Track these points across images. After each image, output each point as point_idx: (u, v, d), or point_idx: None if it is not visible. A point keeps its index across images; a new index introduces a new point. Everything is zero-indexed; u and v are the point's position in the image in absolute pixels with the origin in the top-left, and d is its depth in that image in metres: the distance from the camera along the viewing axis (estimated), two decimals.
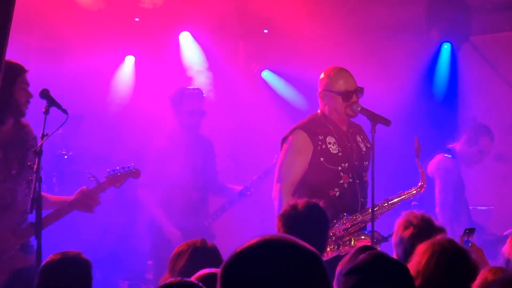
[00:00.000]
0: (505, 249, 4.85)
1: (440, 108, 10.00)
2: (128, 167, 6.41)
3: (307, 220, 4.80)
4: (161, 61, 9.66)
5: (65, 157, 8.44)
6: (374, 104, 6.46)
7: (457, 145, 8.27)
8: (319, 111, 6.38)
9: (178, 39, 9.64)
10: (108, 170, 6.36)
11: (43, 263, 4.52)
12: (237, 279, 2.24)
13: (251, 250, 2.27)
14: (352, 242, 6.01)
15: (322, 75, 6.36)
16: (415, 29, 9.86)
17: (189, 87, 8.25)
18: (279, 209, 6.11)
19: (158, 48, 9.60)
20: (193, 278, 3.78)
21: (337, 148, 6.22)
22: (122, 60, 9.63)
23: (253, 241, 2.29)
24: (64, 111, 5.75)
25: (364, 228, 6.12)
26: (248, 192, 7.99)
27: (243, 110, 9.55)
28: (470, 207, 8.66)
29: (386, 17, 9.57)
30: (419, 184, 6.26)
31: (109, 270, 8.50)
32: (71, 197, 6.15)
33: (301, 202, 4.90)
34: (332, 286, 2.33)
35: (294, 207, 4.88)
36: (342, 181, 6.14)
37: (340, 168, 6.18)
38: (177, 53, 9.67)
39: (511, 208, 9.16)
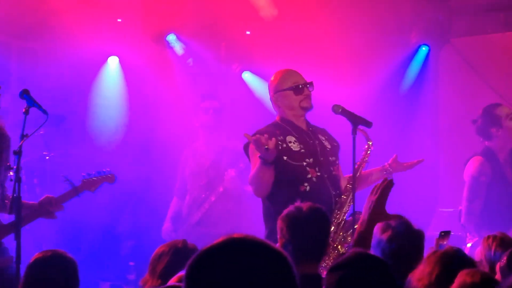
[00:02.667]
0: (478, 250, 4.86)
1: (419, 109, 10.05)
2: (104, 172, 6.38)
3: (311, 223, 4.79)
4: (144, 62, 9.65)
5: (47, 158, 8.42)
6: (355, 104, 6.47)
7: (491, 141, 7.87)
8: (276, 118, 6.39)
9: (162, 40, 9.64)
10: (83, 174, 6.34)
11: (32, 259, 4.49)
12: (202, 279, 2.20)
13: (216, 249, 2.23)
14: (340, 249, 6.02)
15: (270, 80, 6.40)
16: (397, 30, 9.89)
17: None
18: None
19: (141, 49, 9.59)
20: (173, 280, 3.78)
21: (298, 146, 6.19)
22: (104, 60, 9.61)
23: (218, 240, 2.25)
24: (44, 112, 5.72)
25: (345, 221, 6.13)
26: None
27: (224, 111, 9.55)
28: (451, 209, 8.67)
29: (370, 18, 9.59)
30: (366, 145, 6.21)
31: (91, 271, 8.48)
32: (35, 204, 6.10)
33: (305, 204, 4.89)
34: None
35: (299, 209, 4.85)
36: (310, 176, 6.11)
37: (305, 163, 6.15)
38: (162, 54, 9.67)
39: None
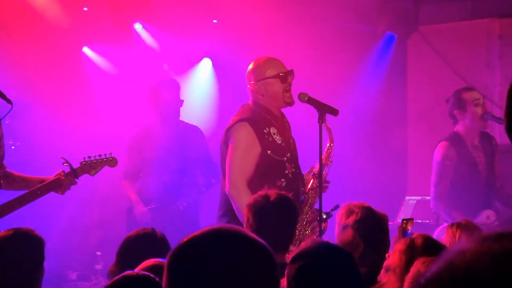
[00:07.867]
0: (443, 238, 4.88)
1: (387, 97, 10.09)
2: (105, 154, 6.11)
3: (277, 212, 4.75)
4: (112, 50, 9.60)
5: (12, 147, 8.35)
6: (322, 94, 6.45)
7: (458, 125, 7.76)
8: (250, 103, 6.17)
9: (129, 29, 9.59)
10: (83, 156, 6.05)
11: None
12: (183, 268, 2.18)
13: (198, 239, 2.21)
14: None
15: (250, 67, 6.16)
16: (365, 18, 9.91)
17: (165, 79, 8.28)
18: (239, 203, 5.78)
19: (108, 38, 9.53)
20: (138, 269, 3.74)
21: (280, 139, 6.05)
22: (71, 49, 9.55)
23: (201, 230, 2.22)
24: (9, 101, 5.65)
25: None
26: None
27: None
28: (419, 198, 8.70)
29: (337, 7, 9.60)
30: (327, 145, 6.02)
31: (58, 261, 8.43)
32: (43, 178, 5.94)
33: (272, 193, 4.83)
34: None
35: (265, 198, 4.80)
36: (287, 171, 6.00)
37: (285, 158, 6.02)
38: (128, 42, 9.62)
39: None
